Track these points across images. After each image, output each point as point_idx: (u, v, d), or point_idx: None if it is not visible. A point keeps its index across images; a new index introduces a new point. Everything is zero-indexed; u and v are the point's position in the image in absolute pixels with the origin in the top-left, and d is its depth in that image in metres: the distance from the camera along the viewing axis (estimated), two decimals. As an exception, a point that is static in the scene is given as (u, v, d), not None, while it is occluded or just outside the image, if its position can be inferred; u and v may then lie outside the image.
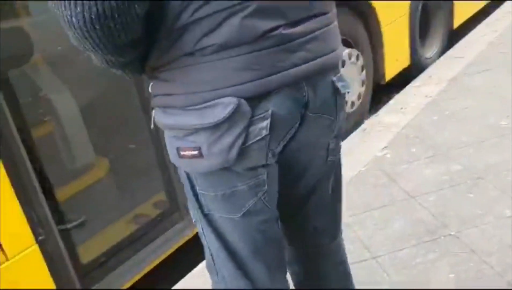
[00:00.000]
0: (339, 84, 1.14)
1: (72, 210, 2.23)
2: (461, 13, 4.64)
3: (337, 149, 1.28)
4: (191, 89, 1.03)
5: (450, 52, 4.43)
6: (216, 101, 1.01)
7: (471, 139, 3.03)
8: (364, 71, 3.59)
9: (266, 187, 1.14)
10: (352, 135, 3.44)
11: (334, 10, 1.16)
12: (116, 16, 0.90)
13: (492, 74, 3.81)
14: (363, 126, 3.52)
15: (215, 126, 1.01)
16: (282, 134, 1.09)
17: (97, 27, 0.90)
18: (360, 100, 3.59)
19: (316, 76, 1.08)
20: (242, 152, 1.05)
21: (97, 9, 0.87)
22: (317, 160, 1.23)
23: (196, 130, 1.04)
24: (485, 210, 2.40)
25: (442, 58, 4.38)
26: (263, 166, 1.11)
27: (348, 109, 3.50)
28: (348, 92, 1.17)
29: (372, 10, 3.56)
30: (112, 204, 2.53)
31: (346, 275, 1.49)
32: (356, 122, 3.62)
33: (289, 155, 1.15)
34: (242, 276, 1.21)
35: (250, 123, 1.02)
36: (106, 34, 0.92)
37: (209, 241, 1.22)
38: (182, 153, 1.08)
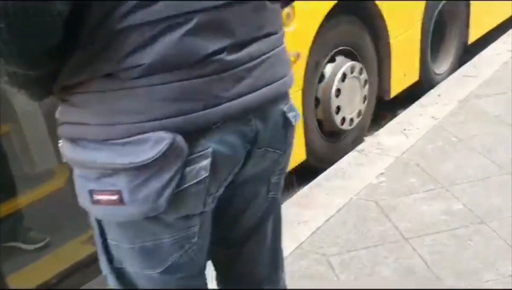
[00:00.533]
0: (290, 115, 1.04)
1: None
2: (477, 28, 4.33)
3: (280, 184, 1.16)
4: (110, 119, 0.87)
5: (462, 70, 4.13)
6: (144, 136, 0.85)
7: (476, 174, 2.76)
8: (367, 86, 3.31)
9: (196, 239, 1.00)
10: (347, 155, 3.16)
11: (283, 30, 1.04)
12: (31, 13, 0.73)
13: (505, 98, 3.53)
14: (360, 146, 3.25)
15: (141, 167, 0.85)
16: (224, 175, 0.96)
17: (2, 25, 0.72)
18: (360, 118, 3.31)
19: (265, 106, 0.98)
20: (175, 198, 0.89)
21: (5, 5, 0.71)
22: (258, 197, 1.11)
23: (116, 171, 0.87)
24: (486, 264, 2.13)
25: (453, 75, 4.08)
26: (200, 214, 0.97)
27: (347, 126, 3.23)
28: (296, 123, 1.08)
29: (381, 20, 3.27)
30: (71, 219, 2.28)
31: None
32: (354, 140, 3.35)
33: (228, 193, 1.03)
34: None
35: (186, 163, 0.88)
36: (17, 36, 0.74)
37: None
38: (96, 197, 0.91)
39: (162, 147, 0.84)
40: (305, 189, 2.89)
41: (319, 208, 2.68)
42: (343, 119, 3.19)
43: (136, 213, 0.90)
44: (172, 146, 0.85)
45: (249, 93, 0.93)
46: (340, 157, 3.16)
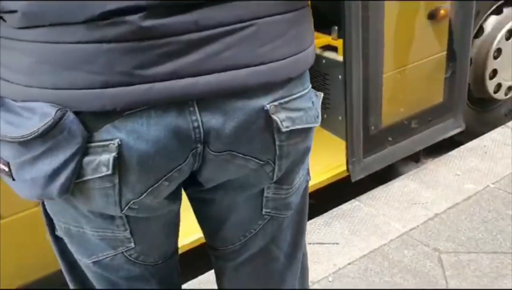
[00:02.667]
0: (278, 117, 0.76)
1: None
2: None
3: (286, 203, 0.90)
4: None
5: None
6: (30, 104, 0.70)
7: None
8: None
9: (132, 244, 0.86)
10: (493, 131, 2.62)
11: None
12: None
13: None
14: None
15: (22, 143, 0.70)
16: (148, 179, 0.75)
17: None
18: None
19: (224, 97, 0.73)
20: (80, 189, 0.75)
21: None
22: (240, 210, 0.90)
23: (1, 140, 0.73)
24: None
25: None
26: (124, 217, 0.81)
27: (501, 95, 2.68)
28: (301, 127, 0.80)
29: None
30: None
31: None
32: (507, 114, 2.78)
33: (201, 196, 0.89)
34: None
35: (86, 151, 0.71)
36: None
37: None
38: None
39: (44, 124, 0.68)
40: (431, 164, 2.45)
41: (443, 190, 2.25)
42: (498, 86, 2.66)
43: (28, 193, 0.76)
44: (58, 125, 0.68)
45: (191, 75, 0.69)
46: (486, 132, 2.63)
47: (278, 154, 0.80)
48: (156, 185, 0.76)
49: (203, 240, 1.02)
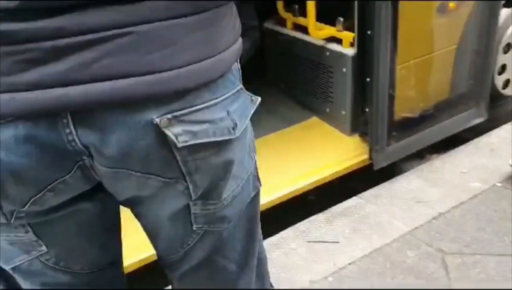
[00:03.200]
0: (172, 131, 0.70)
1: None
2: None
3: (213, 216, 0.84)
4: None
5: None
6: None
7: None
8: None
9: (43, 247, 0.82)
10: (500, 128, 2.55)
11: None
12: None
13: None
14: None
15: None
16: (26, 191, 0.72)
17: None
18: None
19: (101, 110, 0.67)
20: None
21: None
22: (164, 225, 0.86)
23: None
24: None
25: None
26: (25, 224, 0.78)
27: (510, 91, 2.60)
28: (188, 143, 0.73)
29: None
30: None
31: None
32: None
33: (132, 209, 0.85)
34: None
35: None
36: None
37: None
38: None
39: None
40: (437, 161, 2.38)
41: (448, 188, 2.18)
42: (507, 82, 2.58)
43: None
44: None
45: (60, 85, 0.63)
46: (493, 128, 2.57)
47: (185, 170, 0.75)
48: (39, 195, 0.72)
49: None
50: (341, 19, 2.28)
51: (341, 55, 2.29)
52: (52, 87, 0.64)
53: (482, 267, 1.79)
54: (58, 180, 0.72)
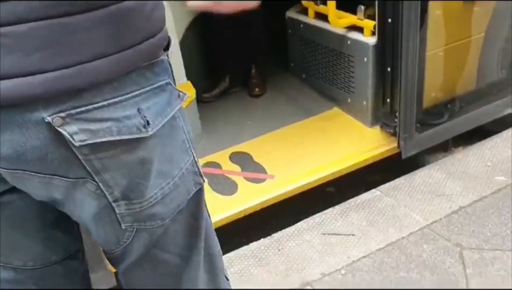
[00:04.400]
0: (66, 129, 0.68)
1: None
2: None
3: (140, 215, 0.81)
4: None
5: None
6: None
7: None
8: None
9: None
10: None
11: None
12: None
13: None
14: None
15: None
16: None
17: None
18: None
19: None
20: None
21: None
22: (94, 226, 0.83)
23: None
24: None
25: None
26: None
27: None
28: (81, 142, 0.69)
29: None
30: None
31: None
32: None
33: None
34: None
35: None
36: None
37: None
38: None
39: None
40: (460, 154, 2.31)
41: (470, 182, 2.12)
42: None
43: None
44: None
45: None
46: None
47: (91, 169, 0.72)
48: None
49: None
50: (362, 7, 2.23)
51: (362, 44, 2.25)
52: None
53: (501, 263, 1.73)
54: None
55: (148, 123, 0.73)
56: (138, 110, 0.72)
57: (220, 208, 2.02)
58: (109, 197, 0.77)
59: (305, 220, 2.03)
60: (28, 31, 0.63)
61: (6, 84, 0.63)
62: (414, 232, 1.91)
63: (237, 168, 2.22)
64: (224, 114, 2.58)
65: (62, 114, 0.67)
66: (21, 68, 0.64)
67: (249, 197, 2.06)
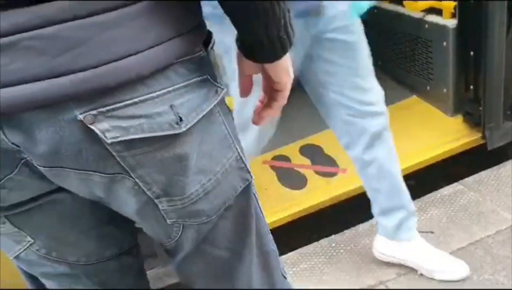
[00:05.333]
0: (98, 126, 0.68)
1: None
2: None
3: (184, 211, 0.81)
4: None
5: None
6: None
7: None
8: None
9: (29, 238, 0.84)
10: None
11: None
12: None
13: None
14: None
15: None
16: None
17: None
18: None
19: (26, 112, 0.67)
20: None
21: None
22: (148, 222, 0.84)
23: None
24: None
25: None
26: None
27: None
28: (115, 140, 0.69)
29: None
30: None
31: None
32: None
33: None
34: None
35: None
36: None
37: None
38: None
39: None
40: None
41: None
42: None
43: None
44: None
45: None
46: None
47: (126, 166, 0.72)
48: None
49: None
50: (441, -13, 2.08)
51: (441, 27, 2.09)
52: None
53: None
54: (5, 178, 0.72)
55: (181, 119, 0.72)
56: (171, 106, 0.71)
57: (289, 203, 1.96)
58: (149, 193, 0.76)
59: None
60: (56, 32, 0.64)
61: (37, 86, 0.64)
62: (502, 230, 1.75)
63: (307, 161, 2.14)
64: (293, 106, 2.51)
65: (94, 112, 0.67)
66: (51, 69, 0.64)
67: (319, 192, 1.99)
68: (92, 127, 0.67)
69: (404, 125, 2.25)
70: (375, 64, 2.63)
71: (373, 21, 2.54)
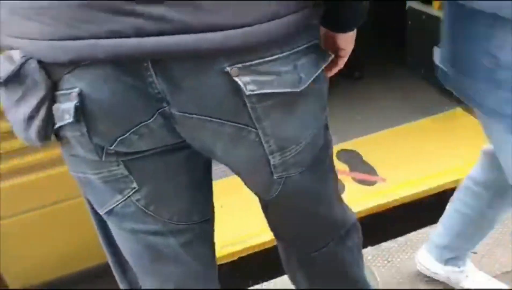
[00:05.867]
0: (241, 80, 0.77)
1: None
2: None
3: (288, 164, 0.93)
4: None
5: None
6: (10, 50, 0.78)
7: None
8: None
9: (135, 185, 0.90)
10: None
11: None
12: None
13: None
14: None
15: (6, 87, 0.79)
16: (112, 130, 0.81)
17: None
18: None
19: (181, 60, 0.75)
20: (60, 135, 0.84)
21: None
22: (254, 177, 0.96)
23: None
24: None
25: None
26: (117, 160, 0.87)
27: None
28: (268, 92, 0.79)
29: None
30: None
31: None
32: None
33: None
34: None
35: (54, 98, 0.78)
36: None
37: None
38: None
39: (12, 68, 0.76)
40: None
41: None
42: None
43: (20, 136, 0.84)
44: (21, 72, 0.76)
45: (139, 35, 0.72)
46: None
47: (255, 117, 0.81)
48: (124, 136, 0.81)
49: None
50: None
51: None
52: (129, 36, 0.71)
53: None
54: (142, 124, 0.79)
55: (301, 79, 0.81)
56: (294, 66, 0.80)
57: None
58: (265, 146, 0.86)
59: (418, 231, 1.83)
60: None
61: (193, 37, 0.71)
62: None
63: (345, 167, 2.07)
64: (332, 107, 2.44)
65: (239, 65, 0.76)
66: (207, 24, 0.72)
67: (357, 200, 1.90)
68: (236, 79, 0.76)
69: (446, 137, 2.17)
70: (418, 72, 2.57)
71: (421, 28, 2.47)
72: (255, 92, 0.78)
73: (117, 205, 0.92)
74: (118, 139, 0.81)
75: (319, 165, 1.00)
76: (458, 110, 2.30)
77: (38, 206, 1.70)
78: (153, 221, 0.95)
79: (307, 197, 1.03)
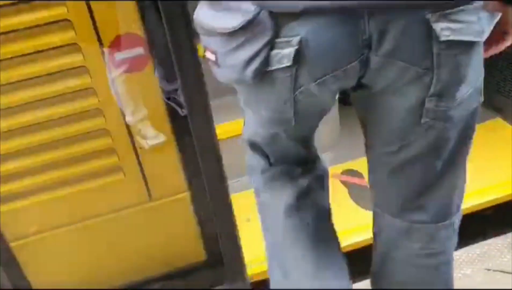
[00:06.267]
0: (438, 26, 0.86)
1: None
2: None
3: (441, 113, 0.96)
4: None
5: None
6: (238, 4, 0.89)
7: None
8: None
9: (293, 122, 1.04)
10: None
11: None
12: None
13: None
14: None
15: (230, 34, 0.91)
16: (319, 71, 0.93)
17: None
18: None
19: (390, 10, 0.85)
20: (267, 76, 0.94)
21: None
22: (397, 114, 1.01)
23: (214, 33, 0.94)
24: None
25: None
26: (291, 102, 0.99)
27: None
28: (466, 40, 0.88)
29: None
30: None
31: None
32: None
33: (363, 99, 1.06)
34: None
35: (273, 45, 0.90)
36: None
37: None
38: (206, 55, 1.00)
39: (245, 18, 0.87)
40: None
41: None
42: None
43: (227, 77, 0.97)
44: (254, 20, 0.87)
45: None
46: None
47: (436, 62, 0.88)
48: (323, 78, 0.92)
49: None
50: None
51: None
52: None
53: None
54: (342, 68, 0.90)
55: (483, 30, 0.89)
56: (479, 18, 0.87)
57: (360, 224, 1.76)
58: (432, 90, 0.91)
59: (464, 249, 1.71)
60: None
61: None
62: None
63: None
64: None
65: (437, 13, 0.85)
66: None
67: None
68: (434, 25, 0.85)
69: (484, 150, 2.04)
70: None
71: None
72: (447, 38, 0.86)
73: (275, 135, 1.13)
74: (317, 81, 0.93)
75: (466, 130, 1.02)
76: (497, 120, 2.19)
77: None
78: (294, 147, 1.18)
79: (437, 159, 1.04)
